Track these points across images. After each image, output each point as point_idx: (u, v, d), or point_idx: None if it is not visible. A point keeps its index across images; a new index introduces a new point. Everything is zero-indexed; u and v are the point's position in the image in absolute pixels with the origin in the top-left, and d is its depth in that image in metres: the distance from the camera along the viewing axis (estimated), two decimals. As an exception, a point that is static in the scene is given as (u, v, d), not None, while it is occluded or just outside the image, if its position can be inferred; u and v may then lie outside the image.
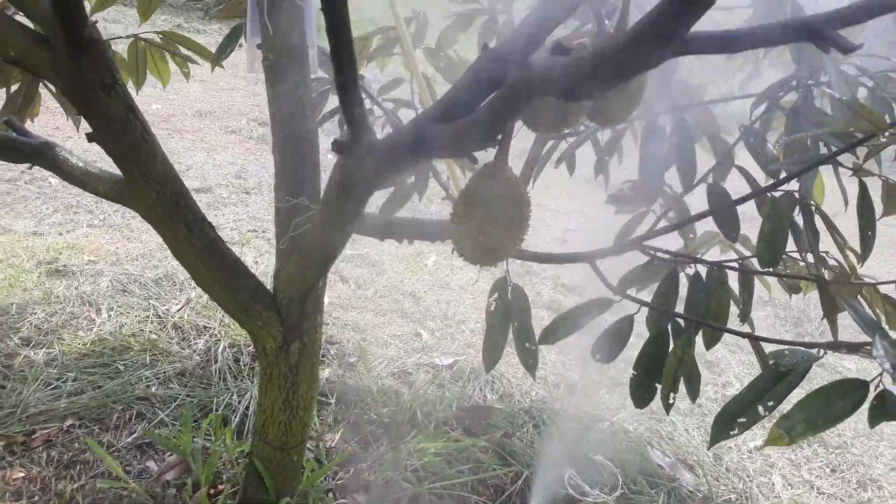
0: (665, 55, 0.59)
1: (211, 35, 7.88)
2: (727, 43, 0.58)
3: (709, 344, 1.43)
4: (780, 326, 3.52)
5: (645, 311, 1.37)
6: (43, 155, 1.07)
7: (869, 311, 1.29)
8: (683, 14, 0.55)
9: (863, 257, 1.16)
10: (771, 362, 1.04)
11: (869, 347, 1.00)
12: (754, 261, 1.41)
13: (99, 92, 0.95)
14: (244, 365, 2.18)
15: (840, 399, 0.92)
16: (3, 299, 2.44)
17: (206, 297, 2.56)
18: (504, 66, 0.92)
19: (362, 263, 3.43)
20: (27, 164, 1.08)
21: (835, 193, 1.35)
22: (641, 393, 1.32)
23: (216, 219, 3.71)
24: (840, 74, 1.24)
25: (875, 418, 0.91)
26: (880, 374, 0.93)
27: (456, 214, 0.92)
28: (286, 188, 1.24)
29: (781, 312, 3.65)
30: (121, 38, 1.84)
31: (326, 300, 2.76)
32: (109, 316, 2.37)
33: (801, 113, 1.36)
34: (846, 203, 1.31)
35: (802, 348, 1.05)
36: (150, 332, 2.31)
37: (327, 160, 1.31)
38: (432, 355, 2.46)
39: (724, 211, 1.31)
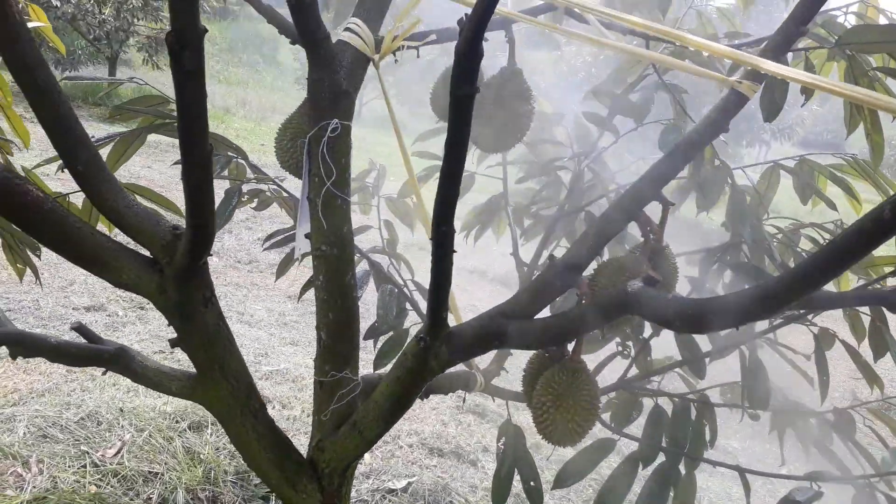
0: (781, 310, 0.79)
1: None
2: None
3: (690, 467, 1.63)
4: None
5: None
6: (118, 361, 1.08)
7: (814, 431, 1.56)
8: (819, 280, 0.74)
9: (822, 391, 1.42)
10: (787, 500, 1.25)
11: (860, 479, 1.24)
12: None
13: (199, 306, 1.01)
14: (203, 511, 2.11)
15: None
16: None
17: (141, 439, 2.45)
18: (570, 275, 1.09)
19: (282, 380, 3.40)
20: (102, 370, 1.08)
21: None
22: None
23: (118, 341, 3.53)
24: (755, 241, 1.52)
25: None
26: None
27: (543, 405, 1.05)
28: (330, 363, 1.31)
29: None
30: None
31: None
32: (41, 469, 2.20)
33: (736, 269, 1.65)
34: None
35: (803, 482, 1.27)
36: (90, 482, 2.17)
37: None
38: (383, 479, 2.51)
39: (695, 361, 1.54)
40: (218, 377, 1.10)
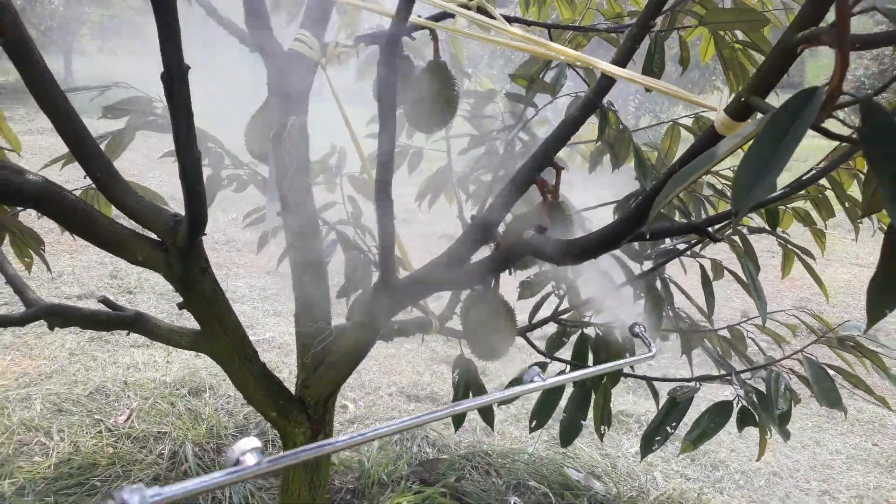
0: (619, 245, 1.09)
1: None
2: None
3: (613, 383, 1.96)
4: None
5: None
6: (137, 323, 1.37)
7: (712, 346, 1.89)
8: (631, 227, 1.05)
9: (708, 314, 1.75)
10: (669, 396, 1.58)
11: (727, 377, 1.57)
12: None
13: (198, 275, 1.29)
14: (210, 461, 2.41)
15: (718, 415, 1.48)
16: (-65, 439, 2.47)
17: (147, 405, 2.74)
18: (486, 230, 1.39)
19: (269, 348, 3.70)
20: (125, 331, 1.36)
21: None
22: (570, 431, 1.80)
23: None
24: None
25: (741, 425, 1.47)
26: (737, 397, 1.49)
27: (472, 332, 1.36)
28: (307, 316, 1.61)
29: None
30: None
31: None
32: (62, 438, 2.49)
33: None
34: (685, 272, 1.92)
35: (687, 383, 1.60)
36: (107, 445, 2.47)
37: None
38: (367, 423, 2.83)
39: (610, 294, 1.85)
40: (218, 331, 1.39)
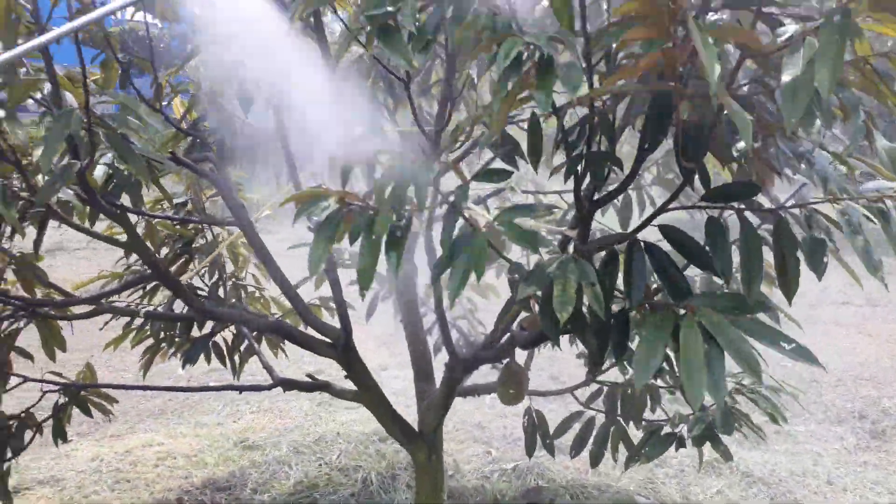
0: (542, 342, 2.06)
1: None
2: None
3: (637, 425, 2.79)
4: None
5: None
6: (325, 387, 2.56)
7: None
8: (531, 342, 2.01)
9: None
10: (644, 431, 2.43)
11: (670, 419, 2.39)
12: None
13: (352, 360, 2.45)
14: (386, 484, 3.55)
15: (665, 441, 2.30)
16: (225, 469, 3.89)
17: (351, 447, 3.99)
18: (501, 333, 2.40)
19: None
20: (314, 392, 2.56)
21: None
22: (597, 457, 2.67)
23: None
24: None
25: (677, 447, 2.29)
26: (676, 430, 2.31)
27: (500, 386, 2.36)
28: (420, 381, 2.70)
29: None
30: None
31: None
32: (297, 468, 3.79)
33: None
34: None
35: (658, 422, 2.43)
36: (324, 474, 3.71)
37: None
38: (500, 464, 3.82)
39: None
40: (365, 391, 2.53)
